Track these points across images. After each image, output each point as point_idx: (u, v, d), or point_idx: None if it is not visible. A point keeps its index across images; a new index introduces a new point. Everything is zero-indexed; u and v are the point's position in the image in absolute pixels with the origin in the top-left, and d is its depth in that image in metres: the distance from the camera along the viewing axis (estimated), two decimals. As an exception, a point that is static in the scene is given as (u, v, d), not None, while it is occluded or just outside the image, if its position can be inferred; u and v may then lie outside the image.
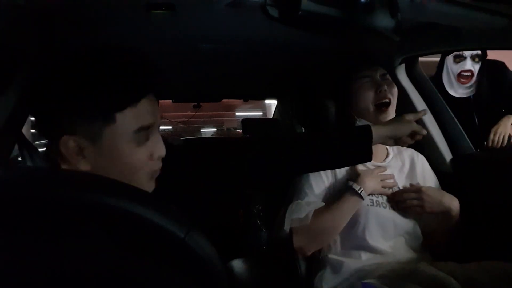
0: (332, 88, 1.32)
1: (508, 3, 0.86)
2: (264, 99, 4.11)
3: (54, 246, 0.43)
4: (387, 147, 1.27)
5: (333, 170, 1.18)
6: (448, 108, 1.43)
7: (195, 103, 2.92)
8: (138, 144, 0.68)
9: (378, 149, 1.24)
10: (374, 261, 1.07)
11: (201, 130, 13.22)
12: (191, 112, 3.22)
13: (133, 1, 0.99)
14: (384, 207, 1.13)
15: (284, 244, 1.12)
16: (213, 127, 13.81)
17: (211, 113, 12.09)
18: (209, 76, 1.95)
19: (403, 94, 1.42)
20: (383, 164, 1.22)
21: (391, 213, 1.13)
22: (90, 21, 1.10)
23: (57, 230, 0.43)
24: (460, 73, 1.91)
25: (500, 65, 1.98)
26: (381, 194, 1.15)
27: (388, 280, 0.96)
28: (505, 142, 1.78)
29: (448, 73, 1.97)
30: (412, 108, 1.44)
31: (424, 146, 1.41)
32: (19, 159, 1.23)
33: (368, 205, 1.11)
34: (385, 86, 1.17)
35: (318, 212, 1.09)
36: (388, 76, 1.21)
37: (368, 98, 1.18)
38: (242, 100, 3.36)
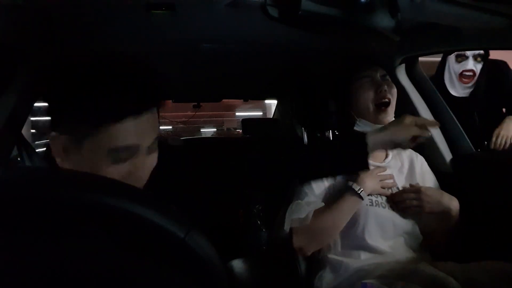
0: (332, 88, 1.32)
1: (508, 3, 0.86)
2: (264, 99, 4.11)
3: (54, 246, 0.43)
4: (387, 147, 1.28)
5: None
6: (448, 108, 1.43)
7: (195, 103, 2.92)
8: (114, 162, 0.66)
9: (377, 150, 1.24)
10: (374, 261, 1.08)
11: (201, 130, 13.23)
12: (191, 112, 3.22)
13: (133, 1, 0.99)
14: (383, 207, 1.13)
15: (284, 244, 1.12)
16: (213, 127, 13.82)
17: (211, 113, 12.09)
18: (209, 76, 1.95)
19: (403, 94, 1.42)
20: (383, 164, 1.22)
21: (391, 213, 1.13)
22: (90, 21, 1.10)
23: (57, 230, 0.43)
24: (462, 73, 1.90)
25: (502, 65, 1.97)
26: (381, 195, 1.15)
27: (388, 280, 0.96)
28: (508, 144, 1.77)
29: (449, 72, 1.95)
30: (412, 108, 1.44)
31: (424, 146, 1.40)
32: (19, 159, 1.23)
33: (367, 205, 1.11)
34: (385, 86, 1.18)
35: (318, 212, 1.09)
36: (388, 77, 1.22)
37: (368, 97, 1.18)
38: (242, 100, 3.36)
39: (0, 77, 1.19)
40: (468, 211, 1.15)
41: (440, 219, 1.13)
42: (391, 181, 1.18)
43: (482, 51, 1.87)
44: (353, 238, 1.11)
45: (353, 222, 1.10)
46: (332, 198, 1.13)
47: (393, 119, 1.19)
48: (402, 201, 1.13)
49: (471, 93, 1.94)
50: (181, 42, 1.34)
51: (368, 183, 1.11)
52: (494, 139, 1.75)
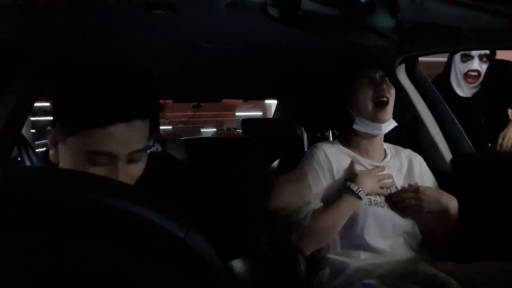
0: (331, 88, 1.32)
1: (508, 3, 0.86)
2: (264, 99, 4.12)
3: (54, 246, 0.43)
4: (385, 147, 1.28)
5: (331, 171, 1.18)
6: (448, 108, 1.43)
7: (195, 103, 2.92)
8: (91, 164, 0.68)
9: (376, 150, 1.25)
10: (373, 260, 1.08)
11: (201, 130, 13.22)
12: (191, 112, 3.22)
13: (133, 1, 0.99)
14: (382, 207, 1.13)
15: (284, 244, 1.12)
16: (213, 127, 13.81)
17: (211, 113, 12.08)
18: (209, 76, 1.95)
19: (403, 94, 1.42)
20: (381, 164, 1.22)
21: (389, 212, 1.13)
22: (90, 21, 1.10)
23: (57, 230, 0.43)
24: (467, 73, 1.88)
25: (508, 65, 1.94)
26: (379, 194, 1.15)
27: (387, 280, 0.96)
28: None
29: (456, 72, 1.94)
30: (412, 108, 1.44)
31: (424, 146, 1.41)
32: (19, 159, 1.23)
33: (366, 204, 1.11)
34: (384, 85, 1.18)
35: (317, 213, 1.09)
36: (386, 78, 1.22)
37: (367, 96, 1.18)
38: (242, 100, 3.37)
39: (0, 77, 1.19)
40: (468, 211, 1.14)
41: (439, 218, 1.13)
42: (390, 180, 1.18)
43: (488, 51, 1.85)
44: (352, 237, 1.11)
45: (352, 221, 1.10)
46: (331, 198, 1.13)
47: (391, 118, 1.19)
48: (401, 201, 1.13)
49: (477, 93, 1.92)
50: (181, 42, 1.34)
51: (367, 183, 1.11)
52: (500, 141, 1.73)
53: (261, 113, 11.08)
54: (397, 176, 1.21)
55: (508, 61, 1.96)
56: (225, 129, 13.54)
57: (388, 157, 1.25)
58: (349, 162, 1.21)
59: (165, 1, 0.96)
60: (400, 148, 1.31)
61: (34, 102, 1.40)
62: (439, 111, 1.43)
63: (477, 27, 1.07)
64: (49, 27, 1.10)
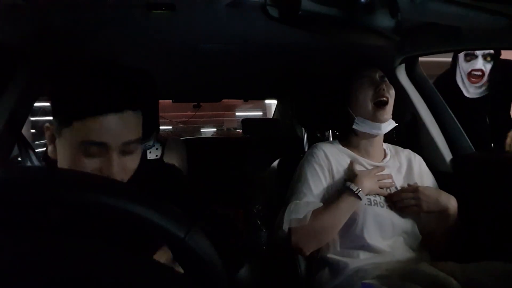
0: (331, 87, 1.32)
1: (508, 3, 0.86)
2: (264, 99, 4.11)
3: (54, 246, 0.43)
4: (385, 147, 1.28)
5: (330, 171, 1.18)
6: (448, 108, 1.43)
7: (195, 103, 2.92)
8: (85, 155, 0.70)
9: (376, 150, 1.25)
10: (373, 260, 1.08)
11: (201, 130, 13.22)
12: (191, 112, 3.22)
13: (133, 1, 0.99)
14: (382, 207, 1.13)
15: (283, 244, 1.12)
16: (213, 127, 13.81)
17: (211, 113, 12.08)
18: (209, 76, 1.95)
19: (403, 94, 1.42)
20: (381, 164, 1.22)
21: (389, 212, 1.13)
22: (90, 21, 1.10)
23: (57, 230, 0.43)
24: (470, 72, 1.87)
25: None
26: (379, 194, 1.15)
27: (387, 280, 0.96)
28: None
29: (460, 72, 1.92)
30: (412, 108, 1.44)
31: (424, 146, 1.41)
32: (19, 159, 1.23)
33: (365, 204, 1.11)
34: (384, 85, 1.18)
35: (316, 212, 1.09)
36: (386, 79, 1.22)
37: (367, 96, 1.18)
38: (242, 100, 3.36)
39: (0, 77, 1.19)
40: (468, 211, 1.15)
41: (439, 218, 1.14)
42: (390, 180, 1.18)
43: (492, 50, 1.83)
44: (352, 237, 1.11)
45: (352, 221, 1.10)
46: (331, 198, 1.13)
47: (391, 118, 1.20)
48: (400, 201, 1.14)
49: (483, 93, 1.91)
50: (181, 42, 1.34)
51: (366, 183, 1.11)
52: (509, 140, 1.72)
53: (261, 113, 11.08)
54: (397, 176, 1.21)
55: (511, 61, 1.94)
56: (225, 129, 13.54)
57: (388, 157, 1.25)
58: (349, 162, 1.21)
59: (165, 1, 0.96)
60: (400, 148, 1.31)
61: (34, 102, 1.40)
62: (439, 111, 1.43)
63: (477, 27, 1.07)
64: (49, 27, 1.09)
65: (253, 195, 1.70)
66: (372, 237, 1.10)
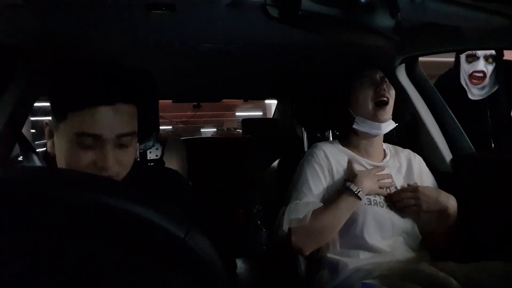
0: (331, 87, 1.32)
1: (508, 3, 0.86)
2: (264, 99, 4.11)
3: (54, 246, 0.43)
4: (385, 147, 1.28)
5: (330, 171, 1.19)
6: (448, 108, 1.43)
7: (195, 103, 2.92)
8: (80, 147, 0.71)
9: (375, 150, 1.25)
10: (373, 260, 1.08)
11: (201, 130, 13.22)
12: (191, 112, 3.22)
13: (133, 1, 0.99)
14: (382, 206, 1.13)
15: (283, 244, 1.12)
16: (213, 127, 13.81)
17: (211, 113, 12.07)
18: (209, 76, 1.95)
19: (403, 94, 1.42)
20: (381, 164, 1.22)
21: (389, 212, 1.13)
22: (90, 21, 1.10)
23: (57, 230, 0.43)
24: (472, 74, 1.85)
25: None
26: (378, 194, 1.15)
27: (387, 280, 0.96)
28: None
29: (462, 73, 1.91)
30: (412, 108, 1.44)
31: (424, 146, 1.41)
32: (19, 159, 1.23)
33: (365, 204, 1.11)
34: (384, 85, 1.18)
35: (316, 212, 1.09)
36: (386, 79, 1.22)
37: (368, 95, 1.19)
38: (242, 100, 3.36)
39: (0, 77, 1.19)
40: (468, 211, 1.15)
41: (439, 218, 1.14)
42: (389, 180, 1.18)
43: (494, 52, 1.82)
44: (352, 237, 1.11)
45: (352, 221, 1.10)
46: (331, 199, 1.13)
47: (391, 118, 1.20)
48: (400, 200, 1.14)
49: (486, 95, 1.89)
50: (181, 42, 1.34)
51: (366, 183, 1.11)
52: None
53: (261, 113, 11.07)
54: (397, 176, 1.21)
55: None
56: (225, 129, 13.54)
57: (388, 157, 1.25)
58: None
59: (165, 1, 0.96)
60: (400, 148, 1.31)
61: (34, 102, 1.40)
62: (439, 111, 1.43)
63: (477, 27, 1.07)
64: (48, 27, 1.09)
65: (253, 195, 1.70)
66: (372, 237, 1.10)
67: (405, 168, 1.25)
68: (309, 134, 1.82)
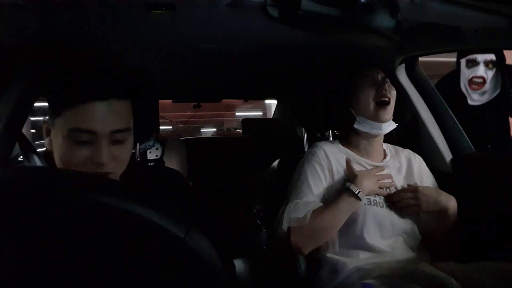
0: (332, 87, 1.32)
1: (508, 3, 0.86)
2: (264, 99, 4.11)
3: (54, 246, 0.43)
4: (385, 147, 1.28)
5: (330, 171, 1.18)
6: (448, 108, 1.43)
7: (195, 103, 2.92)
8: (75, 143, 0.72)
9: (376, 150, 1.25)
10: (373, 260, 1.08)
11: (201, 130, 13.22)
12: (191, 112, 3.22)
13: (133, 1, 0.99)
14: (381, 206, 1.13)
15: (283, 244, 1.12)
16: (213, 127, 13.81)
17: (211, 113, 12.08)
18: (209, 76, 1.95)
19: (403, 94, 1.42)
20: (381, 164, 1.22)
21: (389, 212, 1.13)
22: (90, 21, 1.10)
23: (57, 230, 0.43)
24: (471, 79, 1.84)
25: None
26: (378, 194, 1.15)
27: (387, 280, 0.96)
28: None
29: (462, 78, 1.90)
30: (412, 108, 1.44)
31: (424, 146, 1.41)
32: (19, 159, 1.23)
33: (365, 204, 1.11)
34: (386, 86, 1.18)
35: (316, 212, 1.09)
36: (387, 80, 1.22)
37: (369, 95, 1.18)
38: (242, 100, 3.36)
39: (0, 77, 1.19)
40: (468, 211, 1.14)
41: (439, 218, 1.13)
42: (389, 181, 1.18)
43: (494, 57, 1.81)
44: (352, 237, 1.11)
45: (352, 221, 1.10)
46: (331, 198, 1.13)
47: (392, 118, 1.20)
48: (400, 201, 1.13)
49: (485, 100, 1.89)
50: (181, 42, 1.34)
51: (366, 183, 1.11)
52: None
53: (261, 113, 11.08)
54: (397, 176, 1.21)
55: None
56: (225, 129, 13.55)
57: (388, 158, 1.25)
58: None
59: (165, 1, 0.96)
60: (400, 149, 1.31)
61: (34, 102, 1.40)
62: (439, 111, 1.43)
63: (477, 27, 1.07)
64: (49, 27, 1.10)
65: (253, 195, 1.70)
66: (372, 237, 1.10)
67: (405, 168, 1.25)
68: (309, 134, 1.82)
